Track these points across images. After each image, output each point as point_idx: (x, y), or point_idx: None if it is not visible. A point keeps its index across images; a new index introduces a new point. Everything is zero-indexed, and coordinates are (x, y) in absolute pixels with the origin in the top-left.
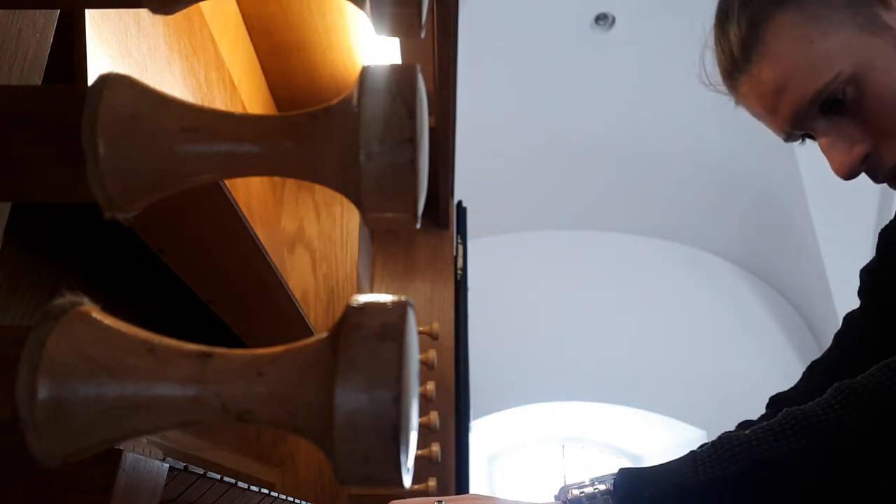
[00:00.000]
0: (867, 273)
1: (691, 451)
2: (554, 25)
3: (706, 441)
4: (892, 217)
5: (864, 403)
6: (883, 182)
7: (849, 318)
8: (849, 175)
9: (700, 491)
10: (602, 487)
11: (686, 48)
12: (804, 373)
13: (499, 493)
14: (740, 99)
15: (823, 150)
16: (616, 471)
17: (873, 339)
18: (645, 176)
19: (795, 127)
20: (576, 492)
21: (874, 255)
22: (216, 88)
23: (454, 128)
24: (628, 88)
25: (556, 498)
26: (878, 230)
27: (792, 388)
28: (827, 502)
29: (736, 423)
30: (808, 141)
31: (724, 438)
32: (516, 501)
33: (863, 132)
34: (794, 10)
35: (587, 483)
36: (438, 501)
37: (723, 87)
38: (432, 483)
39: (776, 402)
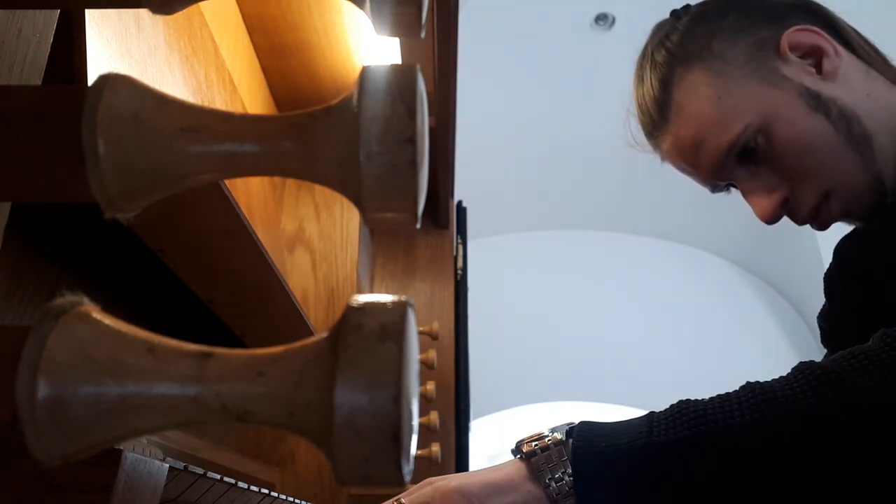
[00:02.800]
0: (822, 319)
1: (650, 412)
2: (554, 25)
3: None
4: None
5: (823, 384)
6: (804, 224)
7: None
8: (771, 220)
9: (652, 451)
10: (557, 437)
11: None
12: None
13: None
14: (664, 156)
15: (745, 198)
16: (571, 422)
17: None
18: (645, 176)
19: (718, 178)
20: (532, 445)
21: (825, 300)
22: (216, 88)
23: (454, 128)
24: (628, 88)
25: (512, 453)
26: None
27: None
28: (773, 477)
29: None
30: (733, 190)
31: (684, 403)
32: (472, 472)
33: (779, 178)
34: (700, 70)
35: (543, 435)
36: (397, 501)
37: (649, 147)
38: None
39: None
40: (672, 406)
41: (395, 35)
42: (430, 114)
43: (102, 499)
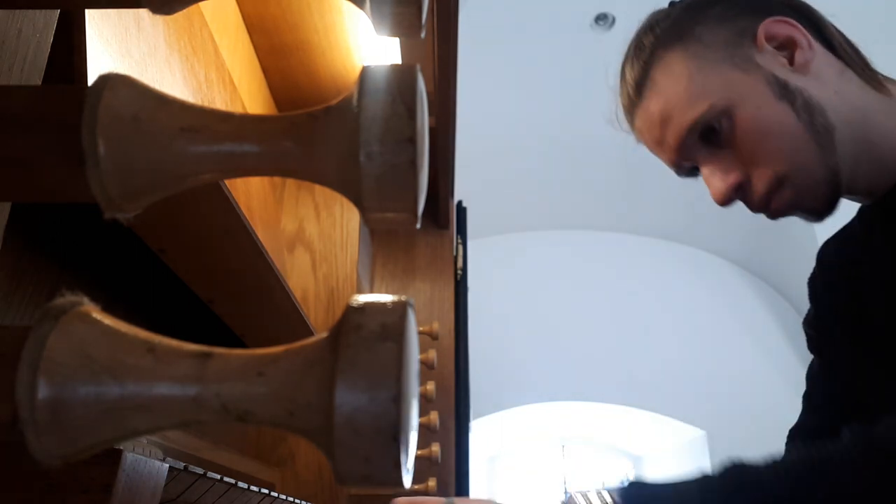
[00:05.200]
0: (808, 326)
1: (704, 476)
2: (554, 25)
3: (706, 441)
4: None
5: (886, 464)
6: (758, 211)
7: (810, 374)
8: (724, 201)
9: None
10: (606, 496)
11: None
12: (786, 443)
13: (500, 497)
14: (637, 134)
15: (704, 179)
16: (624, 481)
17: (839, 390)
18: (645, 176)
19: (681, 157)
20: (580, 499)
21: (810, 306)
22: (216, 88)
23: (454, 128)
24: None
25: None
26: None
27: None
28: None
29: (735, 424)
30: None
31: (738, 469)
32: None
33: (737, 162)
34: (679, 50)
35: (593, 491)
36: (448, 501)
37: (626, 126)
38: (432, 483)
39: None
40: (726, 470)
41: (395, 35)
42: (430, 114)
43: (102, 499)
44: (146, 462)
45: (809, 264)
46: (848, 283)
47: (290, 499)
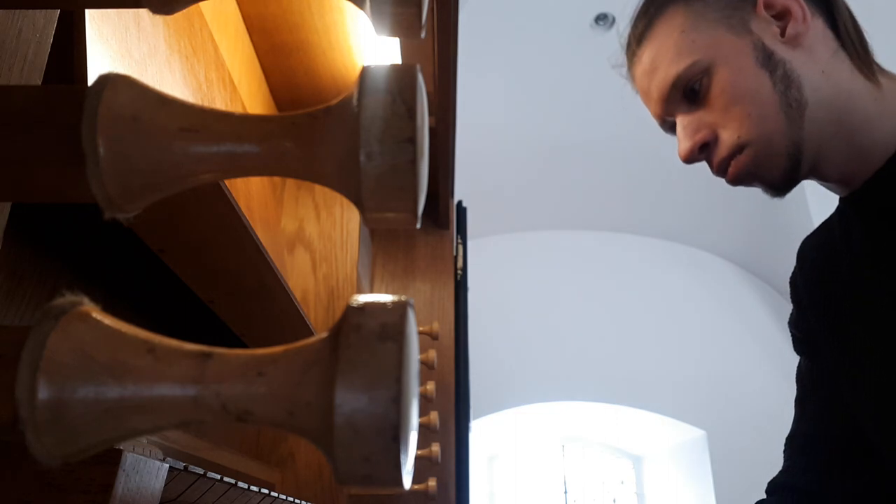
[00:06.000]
0: (793, 326)
1: None
2: (554, 25)
3: (706, 441)
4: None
5: None
6: (718, 173)
7: (800, 377)
8: (687, 159)
9: None
10: None
11: None
12: (784, 451)
13: (500, 498)
14: (633, 83)
15: (677, 135)
16: None
17: (826, 393)
18: (645, 176)
19: (664, 111)
20: None
21: (792, 306)
22: (216, 88)
23: (454, 128)
24: (628, 88)
25: None
26: None
27: (782, 472)
28: None
29: (735, 424)
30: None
31: None
32: None
33: (708, 122)
34: (682, 6)
35: None
36: None
37: (628, 75)
38: (432, 483)
39: (774, 489)
40: None
41: (395, 35)
42: (430, 114)
43: (102, 499)
44: (146, 462)
45: None
46: (828, 279)
47: (290, 499)
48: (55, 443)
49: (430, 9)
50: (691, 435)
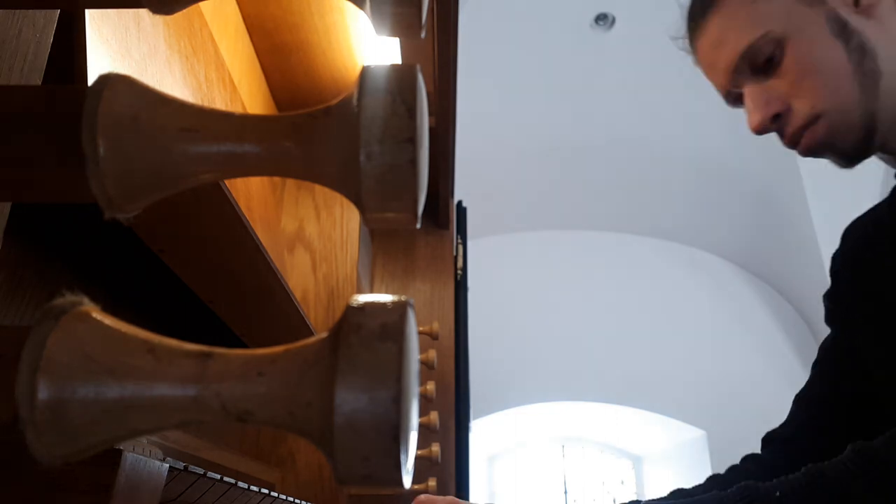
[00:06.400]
0: (828, 299)
1: (718, 495)
2: (554, 25)
3: (706, 441)
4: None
5: (883, 474)
6: (791, 144)
7: (823, 347)
8: (758, 129)
9: None
10: None
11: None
12: (792, 407)
13: (500, 498)
14: (695, 55)
15: (746, 107)
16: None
17: (850, 363)
18: (645, 176)
19: (731, 83)
20: None
21: (830, 281)
22: (216, 88)
23: (454, 128)
24: (628, 88)
25: None
26: None
27: (783, 425)
28: None
29: (735, 424)
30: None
31: (752, 492)
32: None
33: (781, 92)
34: None
35: None
36: None
37: (687, 47)
38: (432, 483)
39: (770, 440)
40: (739, 493)
41: (395, 35)
42: (430, 114)
43: (102, 499)
44: (146, 462)
45: (810, 264)
46: (870, 262)
47: (290, 499)
48: (55, 443)
49: (430, 9)
50: (691, 435)
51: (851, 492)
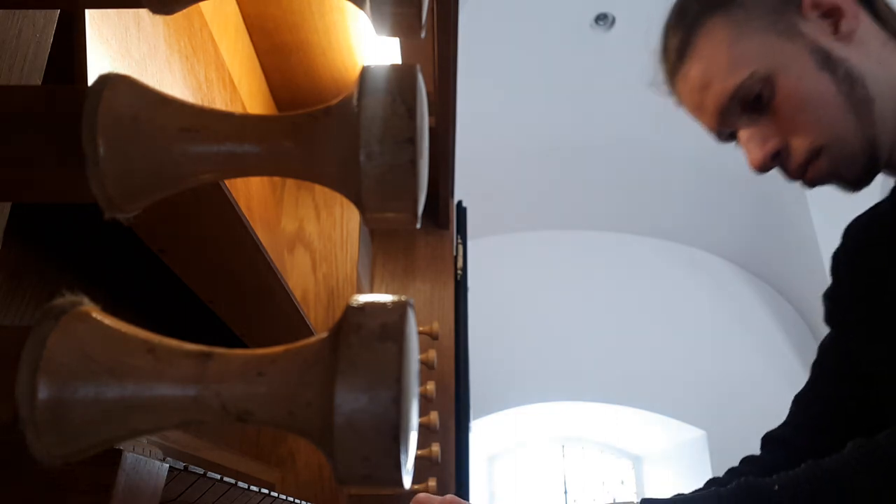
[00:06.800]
0: (827, 298)
1: (717, 492)
2: (554, 25)
3: (706, 441)
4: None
5: (885, 469)
6: (795, 179)
7: (822, 347)
8: (761, 168)
9: None
10: None
11: None
12: (791, 407)
13: (501, 498)
14: (678, 98)
15: (742, 145)
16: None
17: (849, 364)
18: (645, 176)
19: (721, 124)
20: None
21: (830, 279)
22: (216, 88)
23: (454, 128)
24: (628, 88)
25: None
26: None
27: (782, 425)
28: None
29: (735, 424)
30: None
31: (751, 487)
32: None
33: (776, 130)
34: (722, 16)
35: None
36: None
37: (665, 90)
38: (432, 483)
39: (769, 441)
40: (738, 490)
41: (395, 35)
42: (430, 114)
43: (102, 499)
44: (146, 462)
45: (809, 264)
46: (869, 262)
47: (290, 499)
48: (55, 443)
49: (430, 9)
50: (691, 435)
51: (856, 486)
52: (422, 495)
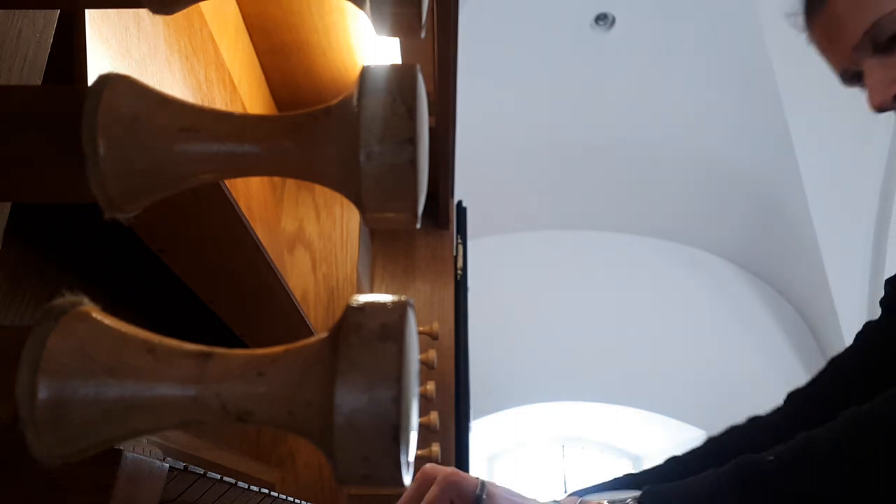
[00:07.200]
0: (891, 285)
1: (714, 473)
2: (554, 25)
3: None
4: None
5: (872, 425)
6: None
7: (869, 325)
8: (880, 108)
9: None
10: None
11: (686, 48)
12: (826, 367)
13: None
14: (811, 32)
15: (866, 83)
16: (635, 493)
17: (891, 348)
18: (645, 176)
19: (853, 60)
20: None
21: None
22: (216, 88)
23: (454, 128)
24: (628, 88)
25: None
26: (877, 230)
27: (811, 383)
28: None
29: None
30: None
31: (747, 465)
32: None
33: None
34: None
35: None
36: (481, 482)
37: (800, 24)
38: None
39: (794, 396)
40: (735, 468)
41: (395, 35)
42: (430, 114)
43: (102, 499)
44: (146, 462)
45: (810, 264)
46: None
47: (290, 499)
48: (55, 443)
49: (430, 9)
50: (691, 435)
51: (853, 452)
52: (428, 465)
